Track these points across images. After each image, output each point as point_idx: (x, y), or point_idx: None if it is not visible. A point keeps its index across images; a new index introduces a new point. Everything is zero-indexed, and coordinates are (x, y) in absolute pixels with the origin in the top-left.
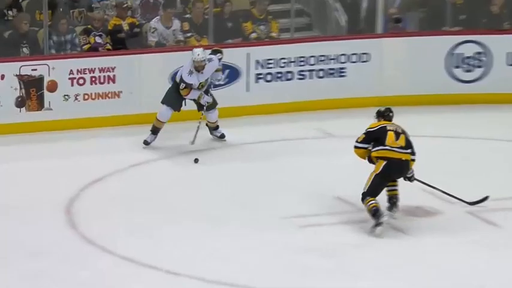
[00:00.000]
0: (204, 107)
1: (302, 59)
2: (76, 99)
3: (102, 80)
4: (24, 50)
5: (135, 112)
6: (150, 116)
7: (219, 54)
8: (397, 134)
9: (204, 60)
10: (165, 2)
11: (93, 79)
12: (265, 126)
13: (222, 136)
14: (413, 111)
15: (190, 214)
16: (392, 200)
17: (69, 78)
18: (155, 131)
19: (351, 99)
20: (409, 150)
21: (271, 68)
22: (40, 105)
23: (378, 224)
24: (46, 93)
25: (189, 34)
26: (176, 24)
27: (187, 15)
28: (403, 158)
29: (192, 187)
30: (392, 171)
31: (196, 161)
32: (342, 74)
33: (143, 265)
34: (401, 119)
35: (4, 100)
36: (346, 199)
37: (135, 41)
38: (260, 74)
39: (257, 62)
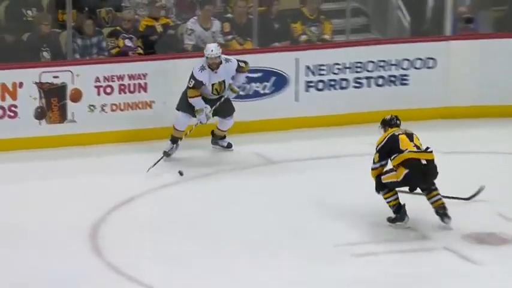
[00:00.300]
0: (195, 125)
1: (359, 64)
2: (103, 110)
3: (132, 89)
4: (45, 54)
5: (169, 125)
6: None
7: (242, 62)
8: (409, 136)
9: (219, 56)
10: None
11: (122, 87)
12: (315, 140)
13: (229, 146)
14: (484, 124)
15: (229, 242)
16: (440, 212)
17: (95, 87)
18: (174, 140)
19: (414, 110)
20: (429, 149)
21: (323, 74)
22: (62, 117)
23: (395, 221)
24: (69, 103)
25: (230, 36)
26: (216, 25)
27: (229, 15)
28: (424, 161)
29: (230, 211)
30: (414, 180)
31: (181, 173)
32: (404, 81)
33: None
34: (470, 133)
35: (22, 111)
36: (404, 224)
37: (169, 45)
38: (311, 81)
39: (307, 68)
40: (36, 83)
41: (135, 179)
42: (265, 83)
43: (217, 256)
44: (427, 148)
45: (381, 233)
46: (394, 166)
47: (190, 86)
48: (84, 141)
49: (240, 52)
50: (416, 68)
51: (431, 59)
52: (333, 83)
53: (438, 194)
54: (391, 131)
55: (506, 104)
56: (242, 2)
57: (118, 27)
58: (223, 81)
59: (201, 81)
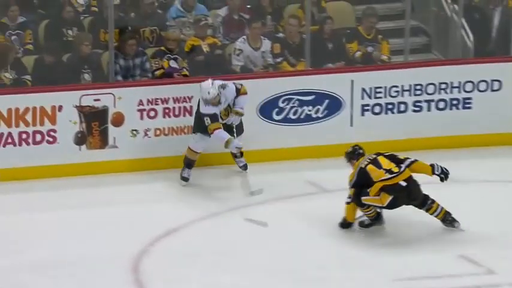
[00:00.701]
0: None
1: (418, 87)
2: (146, 134)
3: (177, 112)
4: (86, 76)
5: (217, 151)
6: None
7: (238, 84)
8: (375, 163)
9: (218, 95)
10: (252, 18)
11: (167, 111)
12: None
13: (245, 168)
14: None
15: (281, 275)
16: (449, 219)
17: (138, 110)
18: (190, 164)
19: (477, 136)
20: (401, 169)
21: (380, 97)
22: (103, 142)
23: (370, 225)
24: (111, 127)
25: (280, 59)
26: (266, 44)
27: (280, 34)
28: (403, 183)
29: (281, 242)
30: (401, 204)
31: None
32: (467, 105)
33: None
34: None
35: (62, 136)
36: (471, 258)
37: (217, 65)
38: (367, 105)
39: (363, 90)
40: (76, 106)
41: (179, 208)
42: (318, 107)
43: None
44: (397, 165)
45: (440, 267)
46: (374, 194)
47: (208, 123)
48: (126, 168)
49: (291, 73)
50: (480, 90)
51: (497, 81)
52: (390, 106)
53: (438, 205)
54: (358, 163)
55: None
56: (294, 20)
57: (162, 48)
58: (228, 105)
59: (214, 113)
